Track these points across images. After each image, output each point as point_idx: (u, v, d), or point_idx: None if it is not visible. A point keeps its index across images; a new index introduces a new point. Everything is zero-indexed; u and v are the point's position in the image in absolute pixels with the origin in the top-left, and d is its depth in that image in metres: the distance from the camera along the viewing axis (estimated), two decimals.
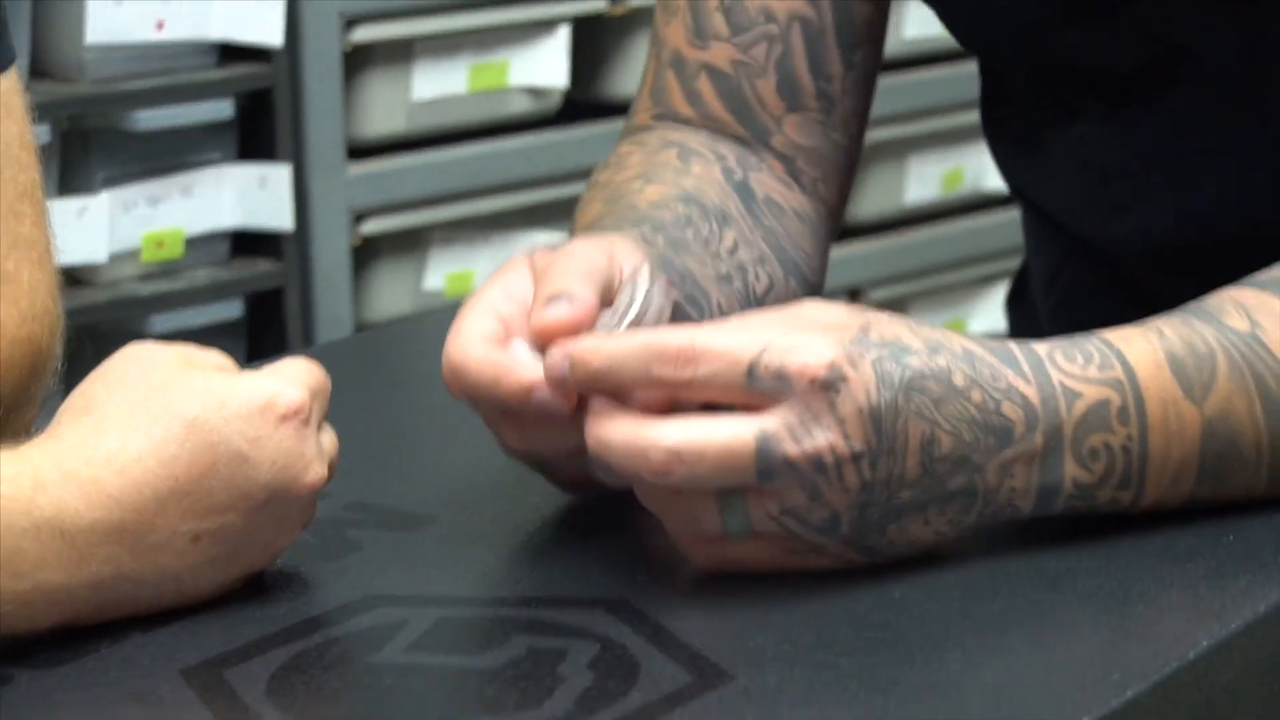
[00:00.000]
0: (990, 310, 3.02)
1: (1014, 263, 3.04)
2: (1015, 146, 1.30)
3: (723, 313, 1.09)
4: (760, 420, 0.87)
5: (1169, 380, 0.91)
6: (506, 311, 0.94)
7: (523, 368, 0.91)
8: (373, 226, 2.37)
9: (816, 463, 0.87)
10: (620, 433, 0.88)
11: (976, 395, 0.89)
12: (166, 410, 0.88)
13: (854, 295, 2.83)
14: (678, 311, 1.00)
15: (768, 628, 0.85)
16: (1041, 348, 0.91)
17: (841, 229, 2.78)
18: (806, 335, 0.87)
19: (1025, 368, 0.90)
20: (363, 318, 2.41)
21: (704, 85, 1.19)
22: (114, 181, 2.14)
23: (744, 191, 1.16)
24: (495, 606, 0.89)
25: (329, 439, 0.93)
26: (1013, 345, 0.90)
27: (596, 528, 0.98)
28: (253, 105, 2.25)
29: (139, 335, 2.18)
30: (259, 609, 0.90)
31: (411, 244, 2.44)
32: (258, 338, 2.32)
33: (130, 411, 0.88)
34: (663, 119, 1.21)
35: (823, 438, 0.87)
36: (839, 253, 2.81)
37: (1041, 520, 0.93)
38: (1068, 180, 1.25)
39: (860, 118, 1.23)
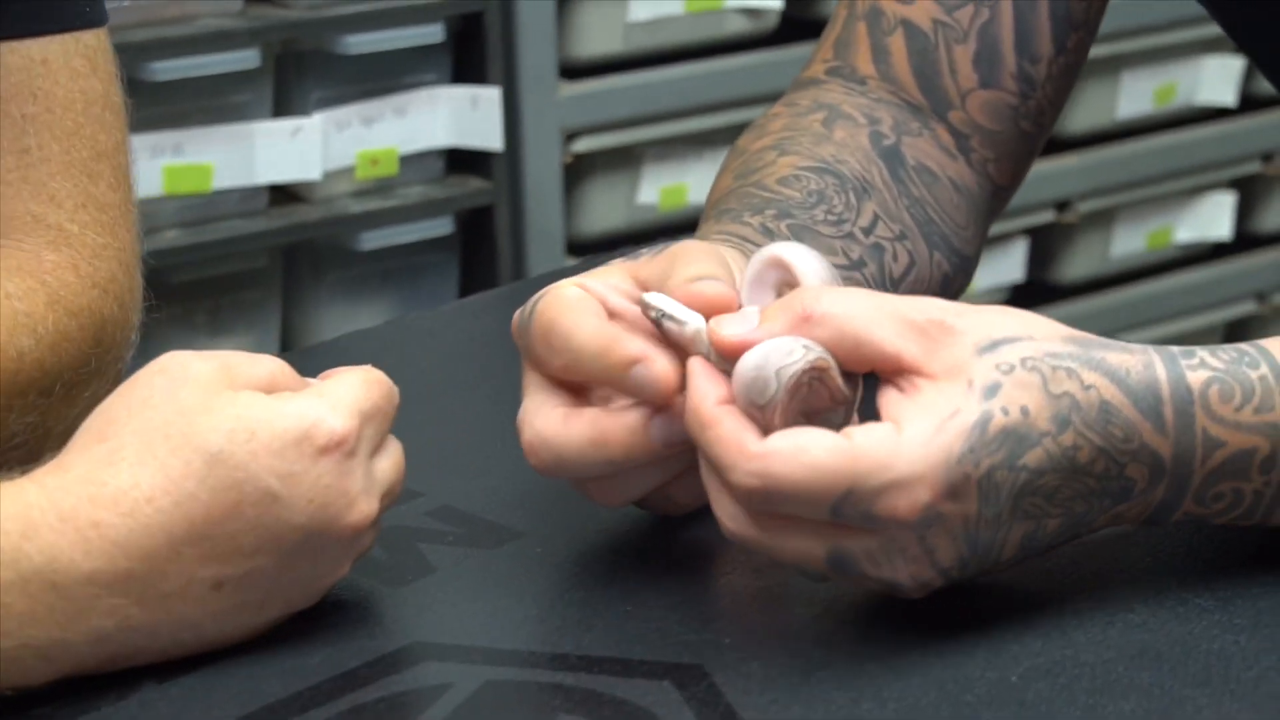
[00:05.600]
0: (1196, 220, 2.75)
1: (1223, 174, 2.79)
2: None
3: None
4: (837, 541, 0.66)
5: None
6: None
7: (632, 341, 0.71)
8: (584, 145, 2.16)
9: (891, 584, 0.67)
10: (709, 486, 0.69)
11: (1100, 465, 0.66)
12: (187, 441, 0.67)
13: (1062, 207, 2.57)
14: None
15: None
16: (1199, 379, 0.67)
17: (1051, 142, 2.53)
18: (905, 459, 0.65)
19: (1168, 415, 0.67)
20: (575, 232, 2.21)
21: (896, 42, 0.96)
22: (328, 103, 1.94)
23: (891, 157, 0.93)
24: (551, 668, 0.68)
25: (387, 464, 0.72)
26: (1164, 381, 0.67)
27: (692, 563, 0.76)
28: (467, 28, 2.03)
29: (351, 251, 2.00)
30: (292, 657, 0.70)
31: (624, 160, 2.22)
32: (470, 252, 2.12)
33: (148, 440, 0.67)
34: (837, 74, 0.97)
35: (904, 570, 0.66)
36: (1048, 166, 2.56)
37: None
38: None
39: (1056, 109, 0.98)
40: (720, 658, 0.68)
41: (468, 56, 2.02)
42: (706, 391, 0.68)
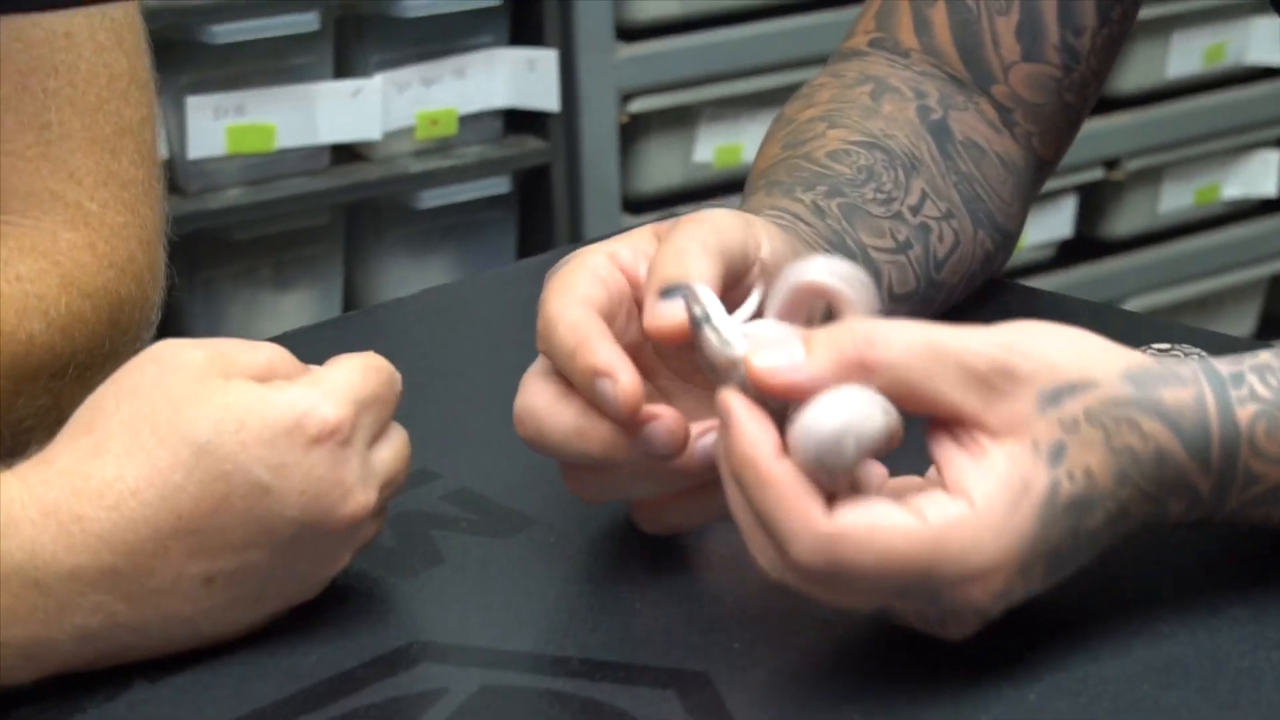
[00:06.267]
0: (1243, 177, 2.65)
1: (1271, 133, 2.68)
2: None
3: (894, 292, 0.80)
4: (891, 604, 0.59)
5: None
6: (613, 281, 0.67)
7: (603, 349, 0.63)
8: (640, 105, 2.08)
9: (933, 635, 0.60)
10: (749, 532, 0.60)
11: (1147, 509, 0.60)
12: (175, 432, 0.61)
13: (1111, 165, 2.48)
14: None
15: None
16: (1247, 415, 0.60)
17: (1101, 101, 2.43)
18: (983, 549, 0.57)
19: (1215, 456, 0.60)
20: (631, 190, 2.13)
21: (938, 14, 0.88)
22: (387, 65, 1.87)
23: (940, 132, 0.85)
24: (551, 674, 0.62)
25: (388, 453, 0.66)
26: (1214, 420, 0.60)
27: (706, 559, 0.69)
28: None
29: (412, 209, 1.94)
30: (288, 655, 0.64)
31: (680, 120, 2.14)
32: (528, 211, 2.05)
33: (134, 431, 0.61)
34: (879, 46, 0.90)
35: (954, 630, 0.59)
36: (1098, 124, 2.47)
37: None
38: None
39: (1100, 80, 0.90)
40: (727, 663, 0.61)
41: (525, 19, 1.95)
42: (761, 440, 0.58)
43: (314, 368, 0.67)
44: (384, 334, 0.95)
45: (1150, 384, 0.59)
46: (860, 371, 0.58)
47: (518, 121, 1.98)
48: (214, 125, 1.74)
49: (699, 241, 0.65)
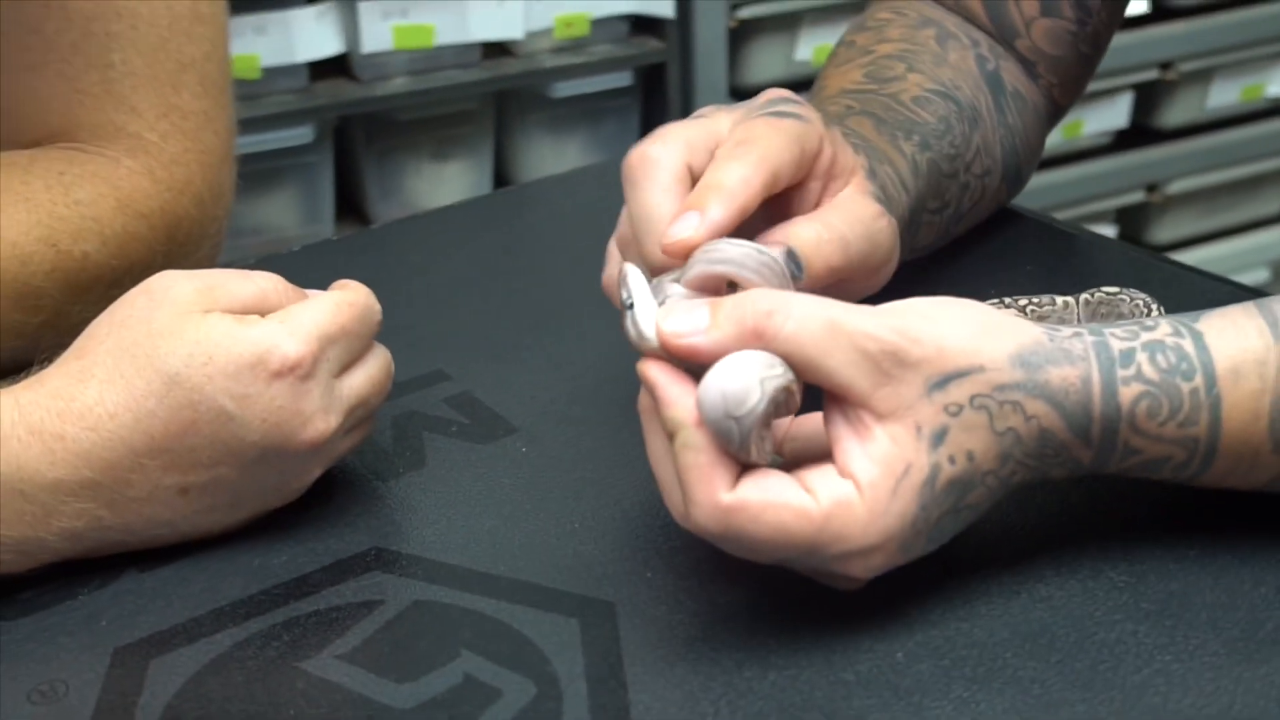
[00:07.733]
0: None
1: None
2: None
3: (915, 246, 0.70)
4: (784, 562, 0.51)
5: (1262, 436, 0.51)
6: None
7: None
8: (748, 12, 1.95)
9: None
10: (660, 472, 0.52)
11: (1028, 477, 0.51)
12: (150, 363, 0.54)
13: (1165, 67, 2.30)
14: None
15: (744, 697, 0.49)
16: (1130, 395, 0.50)
17: (1158, 10, 2.24)
18: (864, 530, 0.49)
19: (1095, 433, 0.51)
20: (738, 84, 2.02)
21: None
22: None
23: (995, 83, 0.75)
24: (477, 592, 0.54)
25: (360, 380, 0.58)
26: (1097, 400, 0.50)
27: (651, 488, 0.60)
28: None
29: (549, 98, 1.85)
30: (262, 554, 0.57)
31: (784, 23, 2.01)
32: (648, 101, 1.94)
33: (117, 360, 0.55)
34: None
35: (843, 585, 0.52)
36: (1155, 31, 2.29)
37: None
38: None
39: (1111, 30, 0.78)
40: (636, 596, 0.54)
41: None
42: (688, 407, 0.49)
43: (312, 292, 0.59)
44: (462, 230, 0.87)
45: (1038, 365, 0.50)
46: (758, 340, 0.49)
47: (641, 25, 1.88)
48: (382, 25, 1.66)
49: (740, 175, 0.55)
